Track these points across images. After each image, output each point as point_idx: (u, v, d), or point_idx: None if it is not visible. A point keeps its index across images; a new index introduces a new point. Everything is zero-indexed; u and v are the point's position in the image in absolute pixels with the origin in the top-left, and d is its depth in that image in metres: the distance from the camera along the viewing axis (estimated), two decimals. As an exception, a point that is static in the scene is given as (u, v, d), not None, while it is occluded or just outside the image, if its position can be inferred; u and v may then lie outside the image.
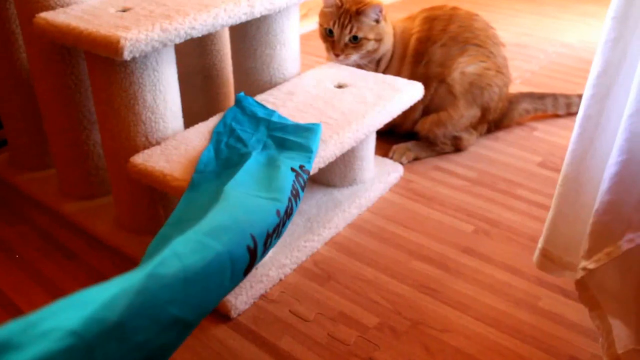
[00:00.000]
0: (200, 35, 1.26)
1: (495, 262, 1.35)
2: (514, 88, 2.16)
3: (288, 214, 1.05)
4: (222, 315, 1.21)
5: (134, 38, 1.11)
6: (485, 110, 1.73)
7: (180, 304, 0.77)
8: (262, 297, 1.26)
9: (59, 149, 1.49)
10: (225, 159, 1.21)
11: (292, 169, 1.15)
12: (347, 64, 1.64)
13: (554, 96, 1.92)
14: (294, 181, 1.11)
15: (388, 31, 1.67)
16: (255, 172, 1.13)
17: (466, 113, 1.69)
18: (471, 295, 1.25)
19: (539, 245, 1.11)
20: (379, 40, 1.64)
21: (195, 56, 1.64)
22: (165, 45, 1.19)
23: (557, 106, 1.91)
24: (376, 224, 1.48)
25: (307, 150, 1.22)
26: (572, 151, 1.03)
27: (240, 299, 1.22)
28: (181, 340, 0.81)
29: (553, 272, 1.11)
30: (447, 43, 1.66)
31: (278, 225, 1.00)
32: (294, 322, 1.20)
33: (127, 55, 1.12)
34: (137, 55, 1.14)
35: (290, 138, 1.26)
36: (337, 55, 1.63)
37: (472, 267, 1.33)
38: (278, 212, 1.01)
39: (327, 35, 1.65)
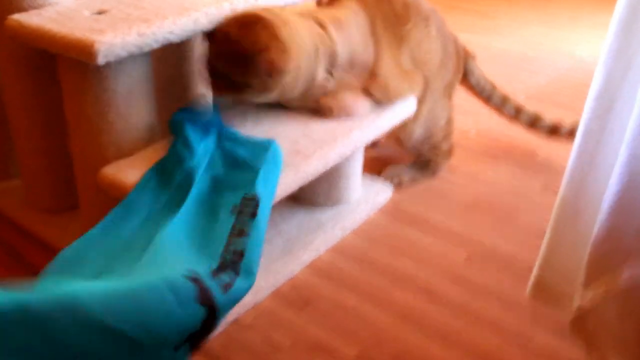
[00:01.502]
0: (179, 41, 1.21)
1: (487, 294, 1.25)
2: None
3: (226, 265, 1.00)
4: (188, 342, 1.12)
5: (109, 42, 1.07)
6: (448, 86, 1.58)
7: (113, 314, 0.79)
8: (235, 322, 1.19)
9: (25, 157, 1.43)
10: (167, 174, 1.15)
11: (233, 209, 1.08)
12: None
13: (504, 96, 1.76)
14: (232, 227, 1.05)
15: None
16: (191, 222, 1.08)
17: (433, 101, 1.54)
18: (458, 330, 1.16)
19: (534, 273, 1.02)
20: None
21: (174, 64, 1.57)
22: (142, 50, 1.14)
23: (504, 105, 1.75)
24: (360, 248, 1.39)
25: (252, 171, 1.14)
26: (571, 170, 0.95)
27: None
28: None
29: (547, 303, 1.02)
30: None
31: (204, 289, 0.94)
32: (267, 351, 1.13)
33: (101, 60, 1.08)
34: (112, 60, 1.09)
35: (239, 153, 1.18)
36: (215, 94, 1.39)
37: (461, 299, 1.24)
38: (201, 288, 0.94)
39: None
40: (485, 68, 2.45)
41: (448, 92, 1.61)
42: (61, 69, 1.22)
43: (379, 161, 1.70)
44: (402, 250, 1.38)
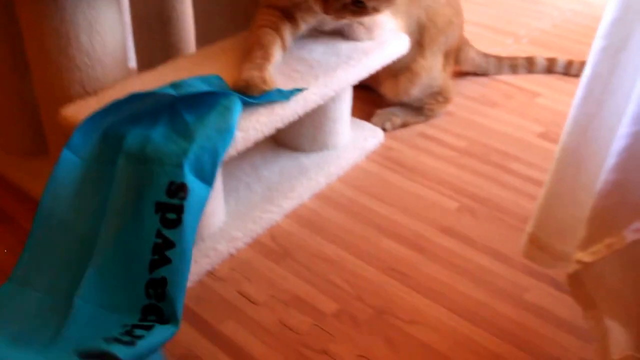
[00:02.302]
0: None
1: (478, 245, 1.18)
2: (520, 47, 1.97)
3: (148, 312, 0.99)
4: (160, 294, 1.06)
5: None
6: (447, 54, 1.55)
7: None
8: (209, 273, 1.13)
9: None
10: (103, 144, 1.06)
11: (156, 208, 0.99)
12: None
13: (498, 58, 1.77)
14: (157, 232, 0.98)
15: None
16: (107, 264, 1.00)
17: (433, 62, 1.50)
18: (446, 282, 1.10)
19: (528, 229, 0.95)
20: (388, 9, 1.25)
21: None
22: None
23: (501, 68, 1.78)
24: (346, 195, 1.31)
25: (185, 142, 1.02)
26: (573, 118, 0.86)
27: None
28: None
29: (543, 263, 0.95)
30: None
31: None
32: (241, 304, 1.07)
33: None
34: None
35: (186, 115, 1.06)
36: (325, 13, 1.16)
37: (451, 250, 1.17)
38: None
39: None
40: (489, 10, 2.33)
41: (447, 59, 1.57)
42: (17, 1, 1.12)
43: (369, 103, 1.60)
44: (391, 199, 1.30)
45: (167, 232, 0.98)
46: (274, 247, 1.18)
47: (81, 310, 0.96)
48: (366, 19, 1.25)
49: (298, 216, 1.25)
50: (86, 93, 1.14)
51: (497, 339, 0.99)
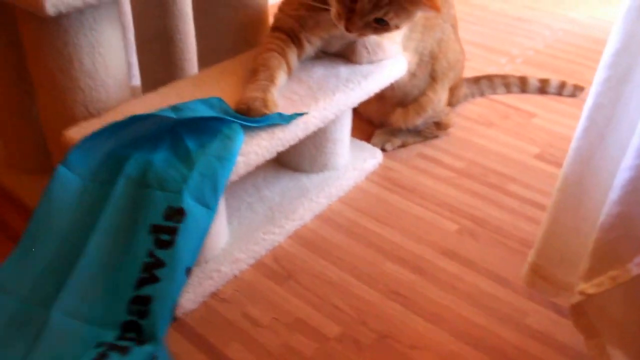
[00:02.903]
0: None
1: (479, 268, 1.19)
2: (515, 67, 1.99)
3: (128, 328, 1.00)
4: (164, 315, 1.06)
5: None
6: (451, 89, 1.59)
7: None
8: (213, 295, 1.14)
9: (2, 117, 1.34)
10: (104, 165, 1.07)
11: (151, 229, 1.01)
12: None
13: (489, 77, 1.82)
14: (148, 252, 1.00)
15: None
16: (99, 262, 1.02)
17: (442, 96, 1.53)
18: (448, 306, 1.11)
19: (529, 259, 0.95)
20: (407, 26, 1.26)
21: (155, 18, 1.48)
22: (99, 0, 1.05)
23: (494, 88, 1.82)
24: (347, 216, 1.32)
25: (187, 169, 1.03)
26: (576, 149, 0.87)
27: (187, 296, 1.09)
28: None
29: (545, 292, 0.96)
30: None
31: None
32: (245, 326, 1.07)
33: (50, 10, 0.98)
34: (63, 10, 1.00)
35: (187, 140, 1.07)
36: (348, 31, 1.14)
37: (451, 273, 1.18)
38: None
39: None
40: (482, 29, 2.35)
41: (451, 93, 1.62)
42: (20, 22, 1.14)
43: (367, 123, 1.61)
44: (391, 221, 1.31)
45: (158, 252, 0.99)
46: (276, 268, 1.18)
47: (57, 322, 0.96)
48: (372, 42, 1.27)
49: (300, 237, 1.26)
50: (89, 114, 1.14)
51: (500, 365, 1.00)
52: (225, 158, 1.03)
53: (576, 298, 0.81)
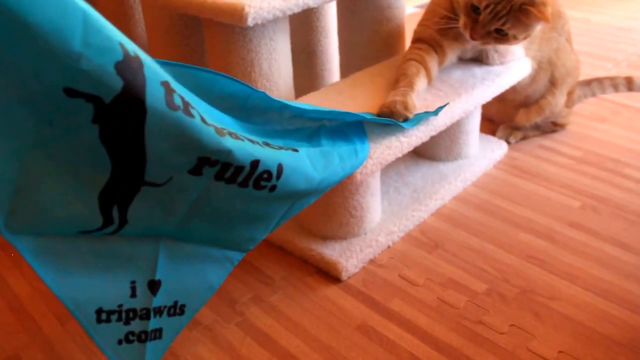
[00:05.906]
0: (316, 6, 1.31)
1: (603, 236, 1.35)
2: (620, 71, 2.13)
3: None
4: (333, 277, 1.28)
5: (257, 5, 1.16)
6: (569, 93, 1.75)
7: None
8: (371, 261, 1.32)
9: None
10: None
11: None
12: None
13: (599, 80, 1.91)
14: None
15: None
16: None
17: (560, 99, 1.70)
18: (579, 267, 1.27)
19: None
20: (526, 38, 1.41)
21: (300, 33, 1.69)
22: (284, 13, 1.23)
23: (604, 89, 1.90)
24: (481, 197, 1.51)
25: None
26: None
27: (351, 262, 1.27)
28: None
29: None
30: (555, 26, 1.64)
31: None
32: (403, 286, 1.25)
33: (250, 22, 1.15)
34: (258, 22, 1.18)
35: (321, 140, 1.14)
36: (472, 39, 1.35)
37: (579, 241, 1.34)
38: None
39: (471, 9, 1.33)
40: (585, 41, 2.49)
41: (569, 97, 1.77)
42: (208, 33, 1.32)
43: (489, 124, 1.82)
44: (520, 200, 1.49)
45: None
46: (424, 240, 1.38)
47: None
48: (501, 47, 1.47)
49: (441, 215, 1.46)
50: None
51: (629, 312, 1.14)
52: (346, 165, 1.14)
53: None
